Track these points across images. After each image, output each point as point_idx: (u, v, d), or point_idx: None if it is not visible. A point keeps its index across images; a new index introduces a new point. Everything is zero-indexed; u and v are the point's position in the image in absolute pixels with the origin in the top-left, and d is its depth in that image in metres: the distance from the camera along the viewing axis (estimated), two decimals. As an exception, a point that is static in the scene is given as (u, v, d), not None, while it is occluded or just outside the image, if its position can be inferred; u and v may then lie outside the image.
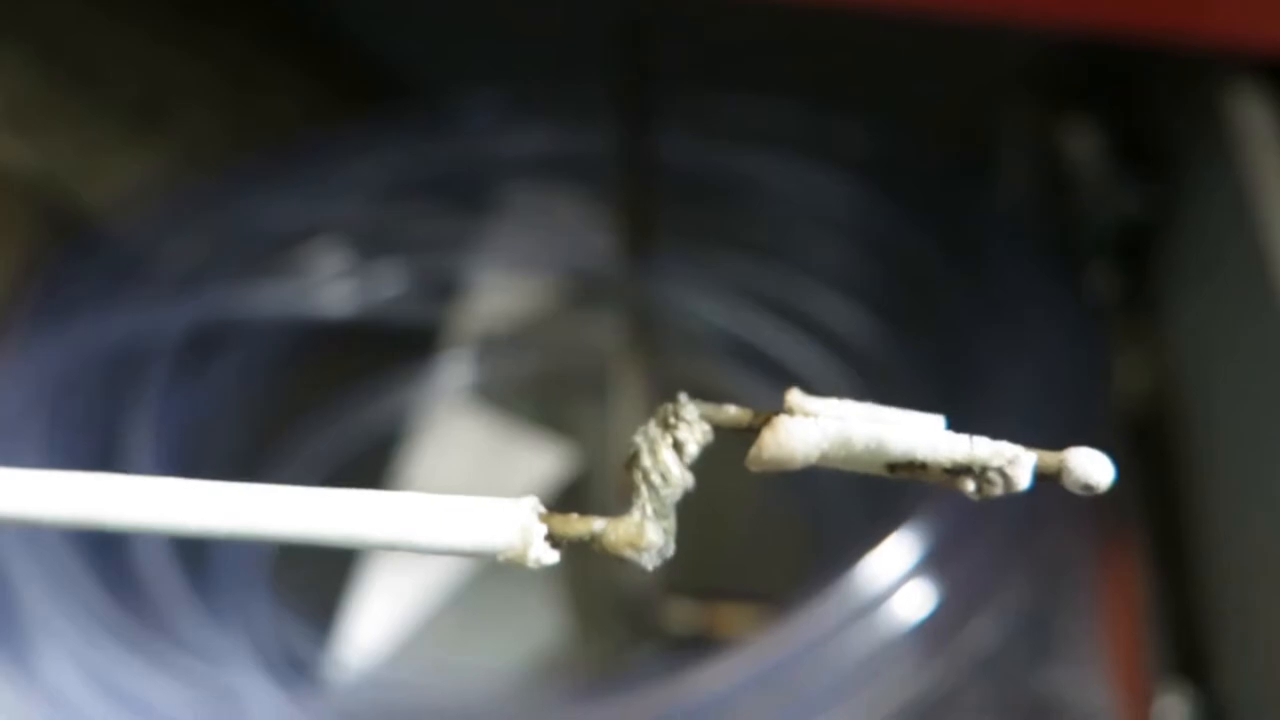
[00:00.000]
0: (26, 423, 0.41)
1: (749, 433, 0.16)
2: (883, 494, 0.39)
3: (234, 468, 0.44)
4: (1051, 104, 0.46)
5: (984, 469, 0.16)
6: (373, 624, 0.41)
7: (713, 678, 0.34)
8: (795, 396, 0.16)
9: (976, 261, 0.44)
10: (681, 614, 0.40)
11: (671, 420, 0.16)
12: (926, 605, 0.35)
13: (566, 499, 0.45)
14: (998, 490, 0.16)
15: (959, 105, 0.49)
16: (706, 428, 0.16)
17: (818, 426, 0.16)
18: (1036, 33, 0.39)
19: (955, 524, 0.36)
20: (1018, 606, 0.36)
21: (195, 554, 0.40)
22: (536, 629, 0.41)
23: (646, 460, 0.16)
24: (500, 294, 0.49)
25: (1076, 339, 0.42)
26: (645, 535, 0.16)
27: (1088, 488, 0.16)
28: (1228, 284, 0.38)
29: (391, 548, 0.16)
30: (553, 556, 0.16)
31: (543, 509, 0.16)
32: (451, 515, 0.16)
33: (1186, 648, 0.37)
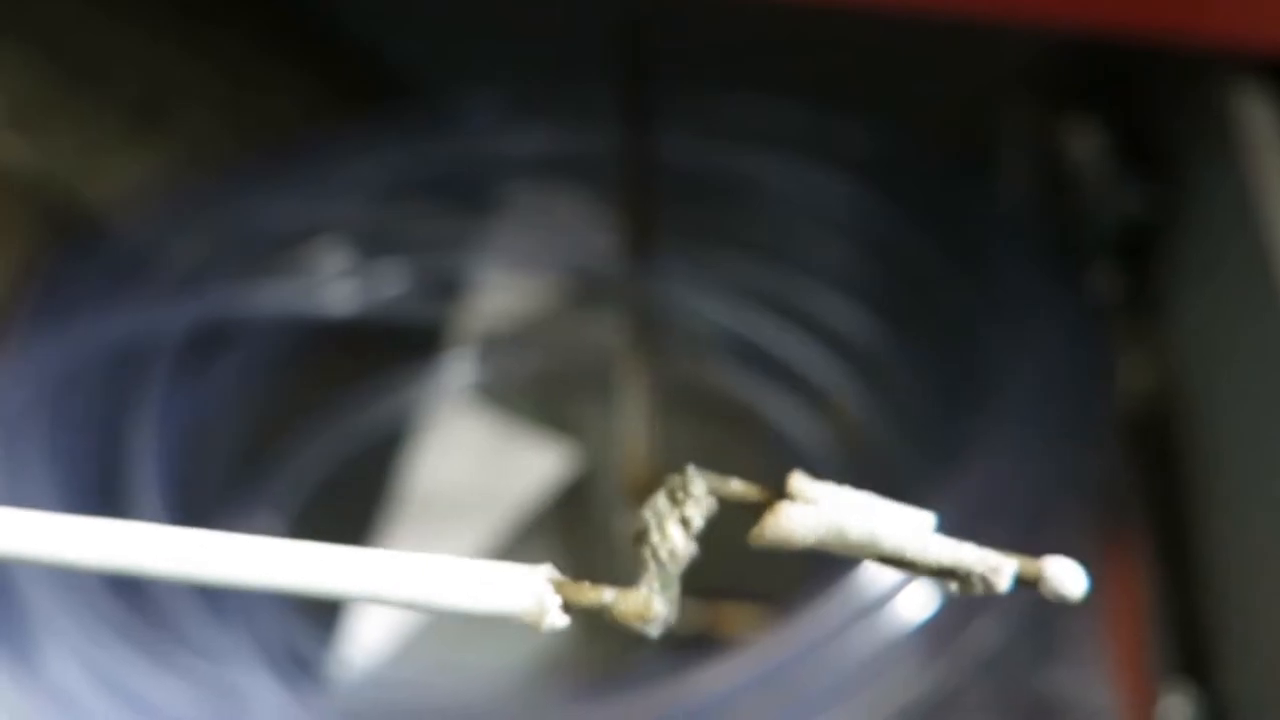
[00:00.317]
0: (27, 422, 0.41)
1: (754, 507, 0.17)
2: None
3: (235, 467, 0.45)
4: (1053, 104, 0.46)
5: (968, 574, 0.17)
6: (377, 623, 0.41)
7: (715, 678, 0.34)
8: (798, 482, 0.17)
9: (978, 261, 0.44)
10: (684, 614, 0.40)
11: (680, 495, 0.17)
12: (929, 606, 0.35)
13: (569, 498, 0.45)
14: (978, 592, 0.17)
15: (960, 105, 0.49)
16: (713, 501, 0.17)
17: (816, 516, 0.17)
18: (1037, 32, 0.39)
19: (958, 525, 0.36)
20: (1020, 607, 0.36)
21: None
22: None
23: (655, 537, 0.17)
24: (502, 293, 0.49)
25: (1078, 339, 0.42)
26: (652, 609, 0.17)
27: (1060, 597, 0.17)
28: (1230, 284, 0.38)
29: (409, 608, 0.17)
30: (564, 621, 0.17)
31: (558, 576, 0.17)
32: (469, 580, 0.17)
33: (1189, 648, 0.37)
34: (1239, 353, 0.38)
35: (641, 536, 0.17)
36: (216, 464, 0.44)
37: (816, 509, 0.17)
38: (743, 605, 0.39)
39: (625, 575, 0.17)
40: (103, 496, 0.40)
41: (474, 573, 0.17)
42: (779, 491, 0.17)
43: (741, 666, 0.34)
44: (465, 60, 0.51)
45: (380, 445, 0.46)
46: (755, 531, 0.17)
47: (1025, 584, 0.17)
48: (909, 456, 0.43)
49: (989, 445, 0.38)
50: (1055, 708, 0.37)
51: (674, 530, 0.17)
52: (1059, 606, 0.38)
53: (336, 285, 0.48)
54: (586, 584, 0.17)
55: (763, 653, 0.35)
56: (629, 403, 0.41)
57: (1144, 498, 0.40)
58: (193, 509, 0.41)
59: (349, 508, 0.45)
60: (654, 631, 0.17)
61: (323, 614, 0.41)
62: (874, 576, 0.35)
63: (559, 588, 0.17)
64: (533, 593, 0.17)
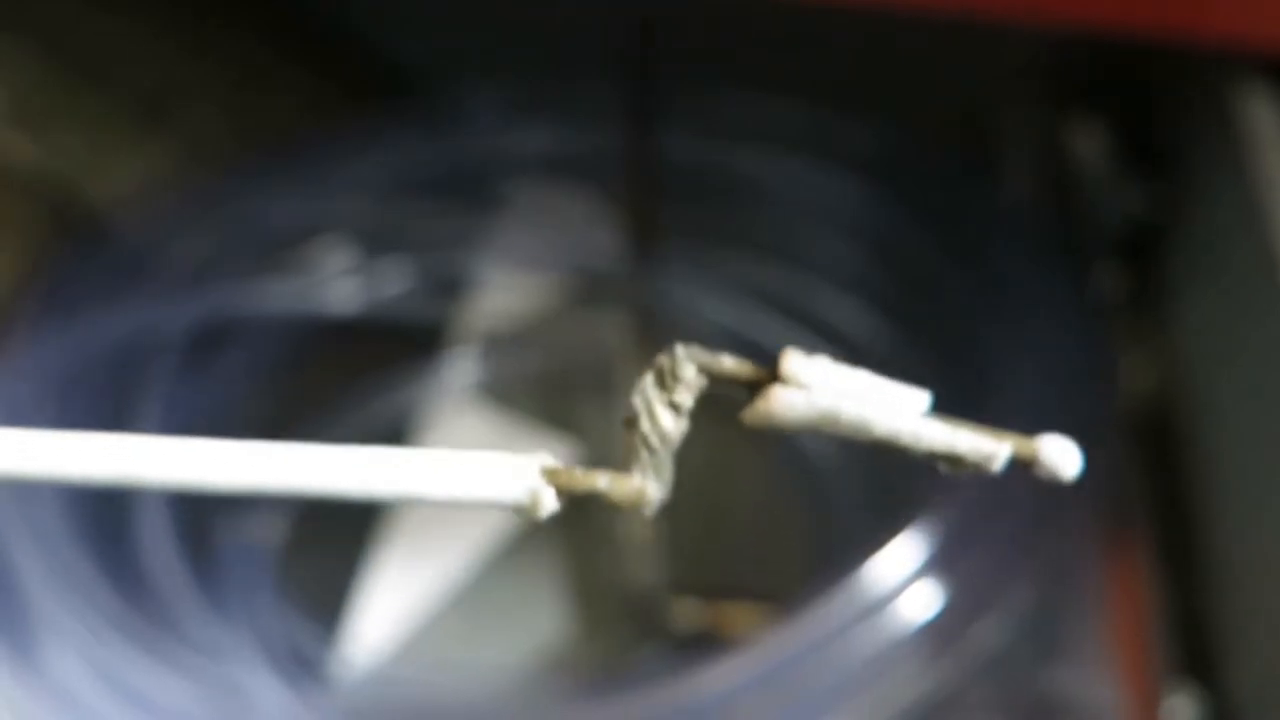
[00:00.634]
0: (32, 419, 0.41)
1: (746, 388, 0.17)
2: (890, 494, 0.39)
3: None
4: (1055, 103, 0.46)
5: (961, 458, 0.17)
6: (379, 621, 0.41)
7: (717, 677, 0.34)
8: (791, 362, 0.17)
9: (980, 261, 0.44)
10: (686, 613, 0.40)
11: (668, 380, 0.17)
12: (932, 605, 0.35)
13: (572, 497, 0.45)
14: (969, 472, 0.17)
15: (962, 104, 0.49)
16: (702, 381, 0.17)
17: (808, 401, 0.17)
18: (1040, 31, 0.39)
19: (962, 524, 0.36)
20: (1024, 606, 0.36)
21: (202, 550, 0.40)
22: (542, 627, 0.41)
23: (645, 424, 0.17)
24: (505, 292, 0.49)
25: (1081, 339, 0.42)
26: (646, 494, 0.17)
27: (1055, 477, 0.17)
28: (1234, 283, 0.38)
29: (404, 500, 0.17)
30: (555, 506, 0.17)
31: (552, 464, 0.17)
32: (463, 469, 0.17)
33: (1193, 647, 0.37)
34: (1243, 352, 0.38)
35: (632, 424, 0.17)
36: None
37: (808, 393, 0.17)
38: (744, 605, 0.39)
39: (627, 574, 0.17)
40: (105, 494, 0.40)
41: (468, 463, 0.17)
42: (773, 372, 0.17)
43: (743, 666, 0.34)
44: (468, 59, 0.51)
45: (382, 443, 0.46)
46: (746, 414, 0.17)
47: (1020, 465, 0.17)
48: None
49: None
50: (1058, 708, 0.37)
51: (663, 414, 0.17)
52: (1063, 606, 0.38)
53: (339, 283, 0.48)
54: (579, 470, 0.17)
55: (764, 652, 0.35)
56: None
57: (1147, 497, 0.40)
58: (195, 506, 0.41)
59: (350, 505, 0.44)
60: (649, 513, 0.17)
61: (325, 612, 0.41)
62: (876, 576, 0.35)
63: (553, 475, 0.17)
64: (526, 481, 0.17)
